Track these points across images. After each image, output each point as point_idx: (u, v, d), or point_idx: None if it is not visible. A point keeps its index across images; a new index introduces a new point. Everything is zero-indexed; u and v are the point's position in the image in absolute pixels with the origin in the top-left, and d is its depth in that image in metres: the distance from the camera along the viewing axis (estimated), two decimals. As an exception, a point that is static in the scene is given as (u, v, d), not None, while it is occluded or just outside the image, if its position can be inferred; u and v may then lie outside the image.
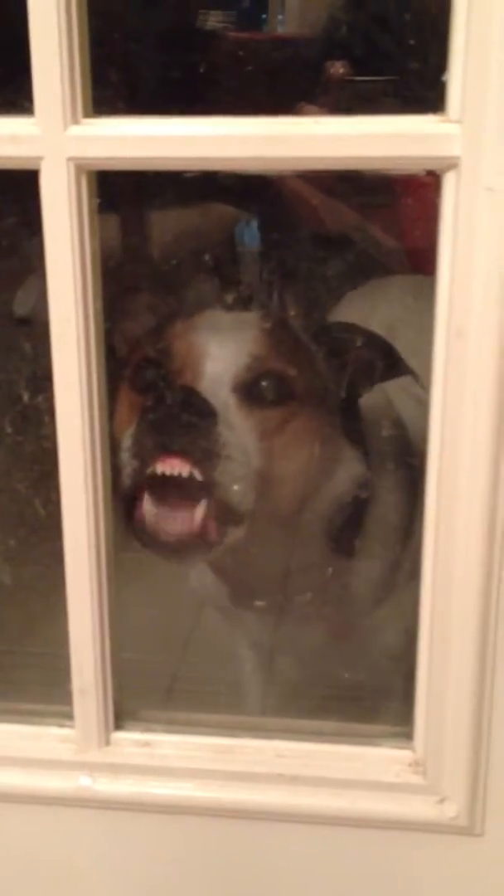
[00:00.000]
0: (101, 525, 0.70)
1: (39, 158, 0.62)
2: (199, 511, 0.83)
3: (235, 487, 0.83)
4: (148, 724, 0.76)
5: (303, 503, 0.91)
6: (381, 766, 0.72)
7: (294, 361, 0.90)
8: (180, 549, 0.84)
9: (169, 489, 0.82)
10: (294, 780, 0.73)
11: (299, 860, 0.75)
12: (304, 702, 0.99)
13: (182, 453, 0.81)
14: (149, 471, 0.82)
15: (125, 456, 0.83)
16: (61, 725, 0.76)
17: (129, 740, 0.75)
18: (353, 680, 0.94)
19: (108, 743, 0.75)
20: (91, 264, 0.65)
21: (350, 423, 0.92)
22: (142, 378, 0.89)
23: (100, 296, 0.66)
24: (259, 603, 0.99)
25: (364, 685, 0.94)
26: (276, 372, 0.88)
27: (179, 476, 0.81)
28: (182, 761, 0.74)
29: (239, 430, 0.85)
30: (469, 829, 0.71)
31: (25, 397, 0.86)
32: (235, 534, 0.86)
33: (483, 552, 0.65)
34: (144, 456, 0.82)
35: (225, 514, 0.84)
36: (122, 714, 0.76)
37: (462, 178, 0.60)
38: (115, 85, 0.69)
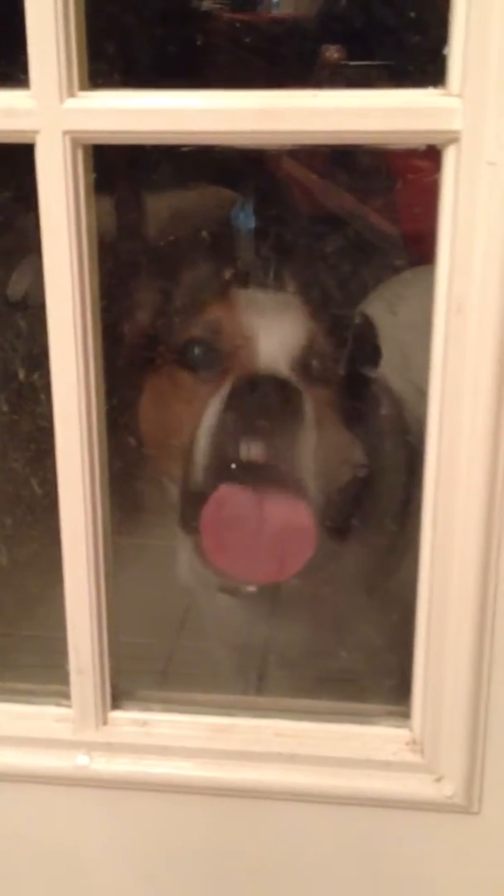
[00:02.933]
0: (98, 503, 0.70)
1: (35, 132, 0.62)
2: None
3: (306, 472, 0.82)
4: (145, 703, 0.76)
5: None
6: (378, 744, 0.72)
7: (331, 340, 0.89)
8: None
9: (247, 482, 0.80)
10: (292, 758, 0.73)
11: (297, 838, 0.75)
12: (302, 681, 0.99)
13: (266, 439, 0.79)
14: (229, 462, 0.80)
15: (203, 443, 0.81)
16: (59, 705, 0.76)
17: (127, 719, 0.75)
18: (350, 659, 0.94)
19: (105, 722, 0.75)
20: (87, 239, 0.64)
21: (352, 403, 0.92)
22: (195, 358, 0.88)
23: (97, 272, 0.66)
24: (249, 589, 0.98)
25: (362, 665, 0.94)
26: (324, 350, 0.87)
27: (259, 467, 0.79)
28: (179, 740, 0.74)
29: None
30: (466, 807, 0.71)
31: (21, 375, 0.85)
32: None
33: (482, 530, 0.65)
34: (227, 443, 0.80)
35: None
36: (120, 694, 0.76)
37: (463, 152, 0.59)
38: (111, 58, 0.68)
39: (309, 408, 0.82)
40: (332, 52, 1.54)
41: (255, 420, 0.80)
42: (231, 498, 0.82)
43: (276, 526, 0.82)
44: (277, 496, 0.82)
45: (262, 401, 0.80)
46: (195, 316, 0.90)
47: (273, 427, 0.80)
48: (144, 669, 0.92)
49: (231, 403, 0.81)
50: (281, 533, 0.82)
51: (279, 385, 0.81)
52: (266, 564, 0.84)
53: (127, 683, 0.77)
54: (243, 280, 1.00)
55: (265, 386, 0.81)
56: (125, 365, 0.88)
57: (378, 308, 1.16)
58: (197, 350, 0.88)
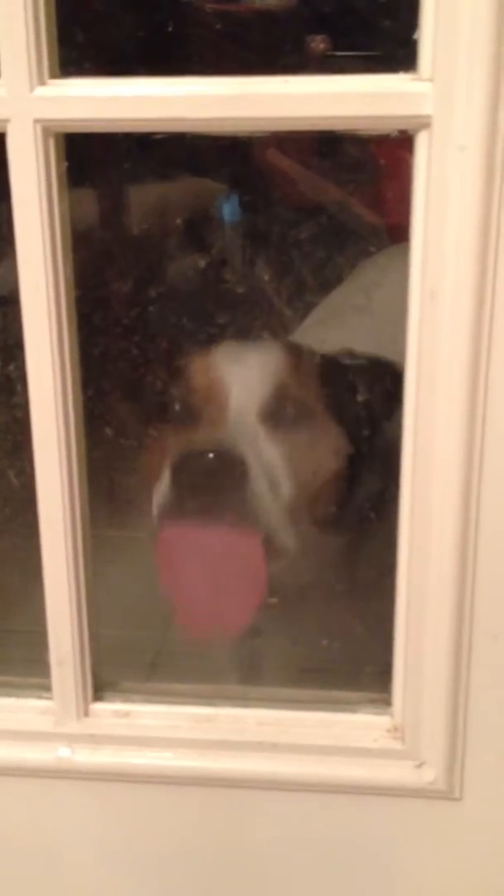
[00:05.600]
0: (76, 494, 0.70)
1: (6, 121, 0.61)
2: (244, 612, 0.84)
3: (271, 519, 0.83)
4: (127, 694, 0.76)
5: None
6: (360, 732, 0.72)
7: (312, 381, 0.91)
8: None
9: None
10: (274, 747, 0.73)
11: (279, 827, 0.75)
12: (285, 671, 0.99)
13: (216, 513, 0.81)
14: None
15: (155, 512, 0.84)
16: (40, 697, 0.76)
17: (109, 711, 0.75)
18: (331, 648, 0.94)
19: (86, 714, 0.75)
20: (60, 229, 0.64)
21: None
22: (166, 412, 0.91)
23: (70, 261, 0.65)
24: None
25: (343, 653, 0.94)
26: (298, 396, 0.89)
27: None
28: (162, 731, 0.74)
29: (269, 459, 0.85)
30: (447, 793, 0.71)
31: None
32: (281, 563, 0.86)
33: (458, 516, 0.65)
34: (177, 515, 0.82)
35: (269, 549, 0.84)
36: (102, 685, 0.76)
37: (434, 137, 0.59)
38: (82, 46, 0.68)
39: (258, 471, 0.83)
40: (319, 43, 1.54)
41: (201, 493, 0.81)
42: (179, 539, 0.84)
43: (227, 566, 0.84)
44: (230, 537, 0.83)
45: (206, 475, 0.81)
46: (173, 374, 0.93)
47: (219, 498, 0.81)
48: (133, 662, 0.92)
49: (176, 479, 0.82)
50: (232, 574, 0.84)
51: (221, 458, 0.82)
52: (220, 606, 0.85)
53: (113, 675, 0.77)
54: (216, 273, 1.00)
55: (207, 460, 0.82)
56: (102, 354, 0.88)
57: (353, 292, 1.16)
58: (171, 405, 0.91)
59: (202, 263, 0.99)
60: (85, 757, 0.74)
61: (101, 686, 0.76)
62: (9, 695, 0.76)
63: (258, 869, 0.77)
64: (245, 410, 0.87)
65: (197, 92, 0.60)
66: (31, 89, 0.61)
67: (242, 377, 0.89)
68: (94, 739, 0.74)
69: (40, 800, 0.76)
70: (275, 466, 0.86)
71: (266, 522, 0.83)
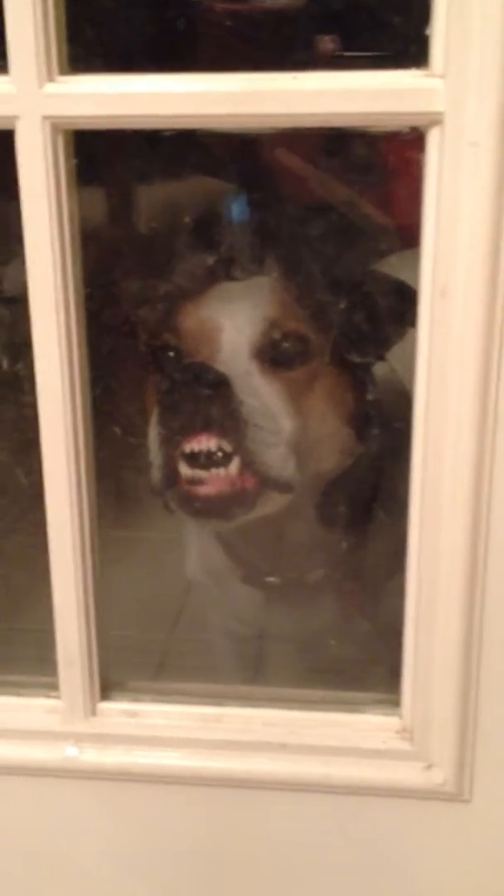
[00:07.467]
0: (84, 493, 0.69)
1: (15, 118, 0.61)
2: (234, 465, 0.83)
3: (271, 453, 0.84)
4: (135, 694, 0.76)
5: (341, 466, 0.91)
6: (368, 733, 0.72)
7: (311, 320, 0.90)
8: (223, 507, 0.85)
9: (203, 464, 0.83)
10: (282, 748, 0.72)
11: (287, 828, 0.75)
12: (294, 671, 0.99)
13: (206, 428, 0.81)
14: (179, 451, 0.83)
15: (153, 447, 0.84)
16: (48, 696, 0.75)
17: (116, 710, 0.75)
18: (341, 648, 0.93)
19: (94, 713, 0.74)
20: (69, 227, 0.64)
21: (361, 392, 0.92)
22: (163, 363, 0.90)
23: (79, 259, 0.65)
24: (271, 579, 0.99)
25: (354, 654, 0.93)
26: (293, 333, 0.88)
27: (210, 451, 0.82)
28: (169, 731, 0.74)
29: (265, 395, 0.85)
30: (457, 795, 0.71)
31: (4, 364, 0.85)
32: (284, 499, 0.87)
33: (469, 517, 0.65)
34: (171, 441, 0.83)
35: (269, 482, 0.84)
36: (110, 685, 0.76)
37: (446, 134, 0.59)
38: (91, 42, 0.68)
39: (251, 390, 0.84)
40: (328, 43, 1.53)
41: (191, 412, 0.82)
42: None
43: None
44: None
45: (192, 392, 0.82)
46: (163, 324, 0.94)
47: (208, 415, 0.82)
48: (141, 661, 0.92)
49: (164, 400, 0.83)
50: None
51: (202, 373, 0.83)
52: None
53: (121, 675, 0.76)
54: (225, 271, 1.00)
55: (190, 377, 0.83)
56: (110, 352, 0.87)
57: None
58: (166, 356, 0.91)
59: (210, 262, 0.99)
60: (92, 756, 0.74)
61: (109, 685, 0.75)
62: (16, 694, 0.76)
63: (266, 869, 0.77)
64: (237, 348, 0.87)
65: (206, 89, 0.60)
66: (40, 86, 0.60)
67: (231, 315, 0.89)
68: (102, 739, 0.74)
69: (47, 799, 0.76)
70: (273, 404, 0.85)
71: (257, 449, 0.83)
